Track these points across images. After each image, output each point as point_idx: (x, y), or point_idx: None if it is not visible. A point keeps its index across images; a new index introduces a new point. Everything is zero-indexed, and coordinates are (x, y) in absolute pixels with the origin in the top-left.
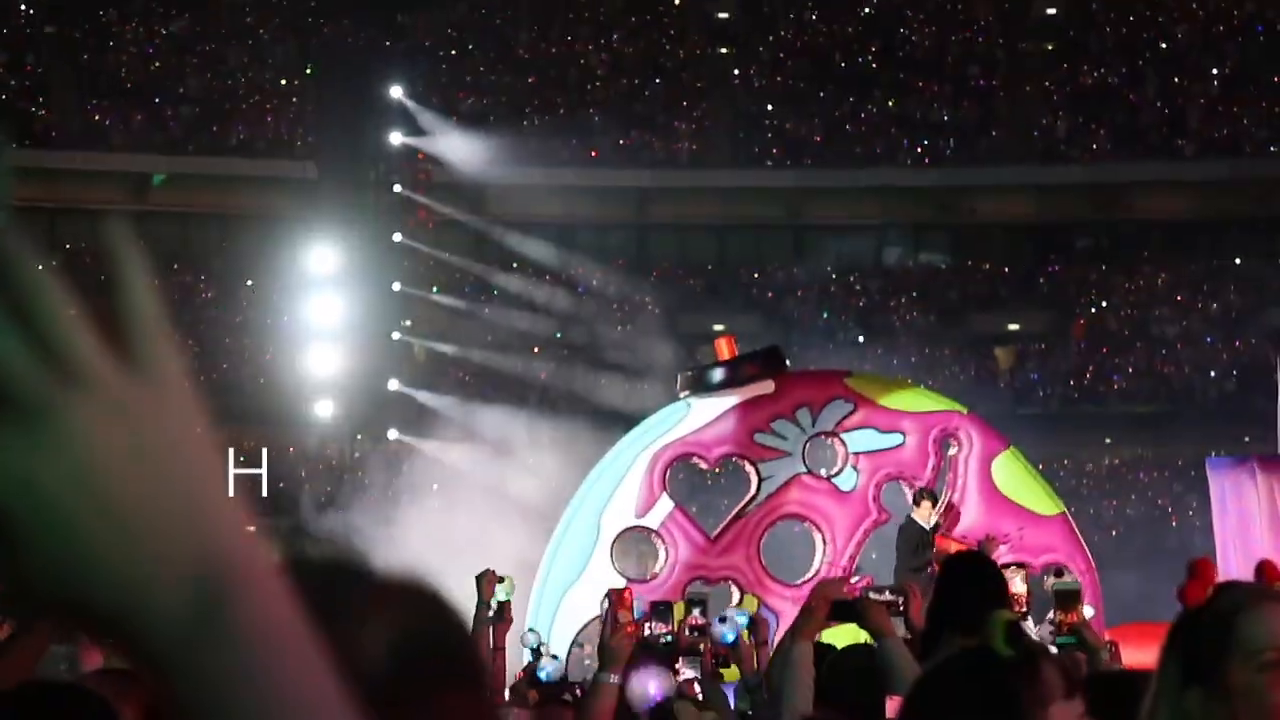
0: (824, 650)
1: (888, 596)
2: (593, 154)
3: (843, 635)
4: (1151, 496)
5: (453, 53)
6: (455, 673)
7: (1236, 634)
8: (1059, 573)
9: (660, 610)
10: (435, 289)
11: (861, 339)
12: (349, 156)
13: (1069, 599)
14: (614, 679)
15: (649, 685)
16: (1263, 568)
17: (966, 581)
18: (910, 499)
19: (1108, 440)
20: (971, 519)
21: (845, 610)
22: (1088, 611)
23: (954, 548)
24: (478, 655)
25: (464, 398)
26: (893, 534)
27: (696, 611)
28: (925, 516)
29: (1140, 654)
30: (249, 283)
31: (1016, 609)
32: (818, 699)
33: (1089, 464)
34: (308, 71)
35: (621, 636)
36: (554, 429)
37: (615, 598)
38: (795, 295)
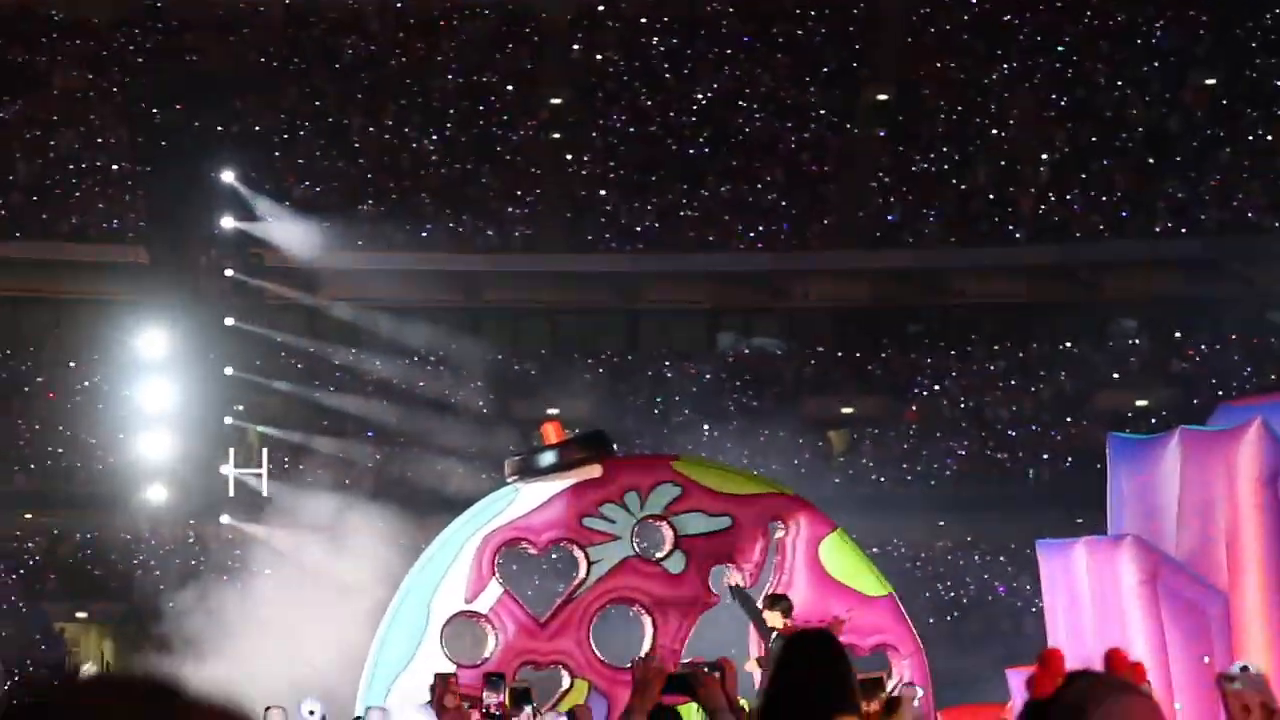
0: None
1: (705, 671)
2: (424, 237)
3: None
4: (984, 579)
5: (285, 138)
6: None
7: None
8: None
9: (492, 680)
10: (268, 373)
11: (697, 424)
12: (181, 241)
13: (871, 688)
14: None
15: None
16: (1111, 657)
17: (806, 662)
18: (763, 601)
19: (940, 523)
20: (800, 601)
21: (679, 684)
22: (917, 692)
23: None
24: None
25: (296, 482)
26: (720, 616)
27: (528, 709)
28: (778, 622)
29: None
30: (79, 367)
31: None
32: None
33: (921, 547)
34: (138, 156)
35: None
36: (385, 514)
37: (441, 682)
38: (628, 380)
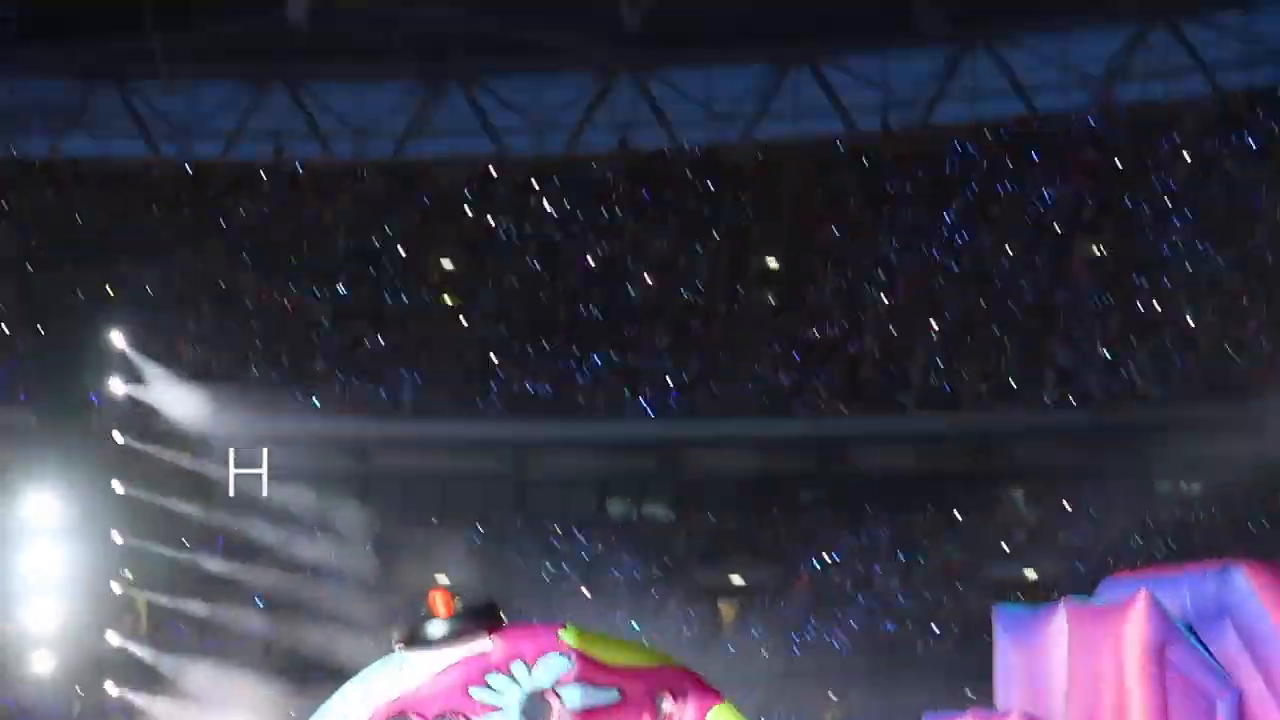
0: None
1: None
2: (314, 400)
3: None
4: None
5: (172, 301)
6: None
7: None
8: None
9: None
10: (157, 539)
11: (584, 590)
12: (68, 405)
13: None
14: None
15: None
16: None
17: None
18: None
19: (830, 694)
20: None
21: None
22: None
23: None
24: None
25: (184, 652)
26: None
27: None
28: None
29: None
30: None
31: None
32: None
33: (812, 718)
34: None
35: None
36: (272, 682)
37: None
38: (517, 547)
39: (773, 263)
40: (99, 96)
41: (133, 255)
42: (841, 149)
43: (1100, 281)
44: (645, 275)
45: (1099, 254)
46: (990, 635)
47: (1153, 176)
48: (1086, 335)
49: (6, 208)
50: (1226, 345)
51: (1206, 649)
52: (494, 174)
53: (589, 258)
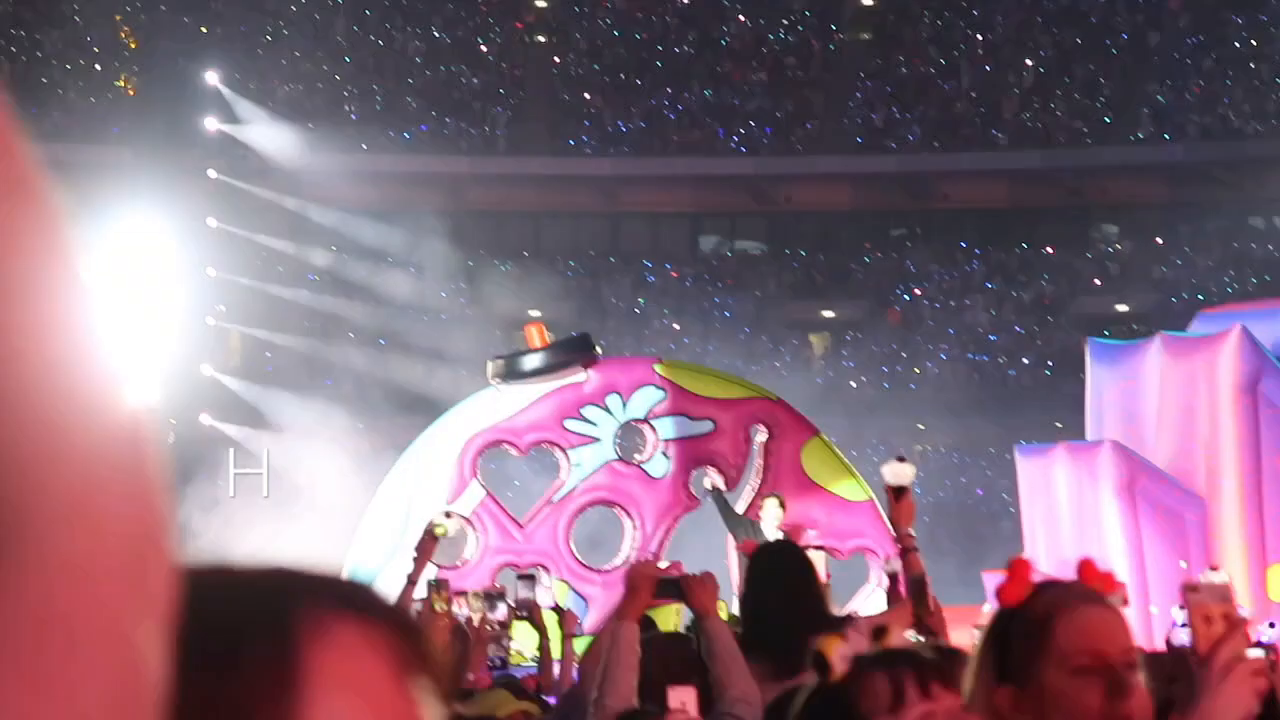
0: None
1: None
2: (408, 138)
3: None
4: (964, 482)
5: (269, 40)
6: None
7: (1052, 636)
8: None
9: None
10: (250, 274)
11: (676, 326)
12: (165, 141)
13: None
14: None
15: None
16: (1083, 567)
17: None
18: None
19: (920, 426)
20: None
21: (670, 589)
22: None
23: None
24: None
25: (277, 384)
26: (705, 519)
27: (503, 606)
28: (774, 515)
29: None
30: None
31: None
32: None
33: (901, 450)
34: (127, 55)
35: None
36: (367, 415)
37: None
38: (610, 282)
39: (868, 1)
40: None
41: None
42: None
43: (1196, 19)
44: (739, 13)
45: None
46: (1081, 368)
47: None
48: (1182, 73)
49: None
50: None
51: None
52: None
53: None
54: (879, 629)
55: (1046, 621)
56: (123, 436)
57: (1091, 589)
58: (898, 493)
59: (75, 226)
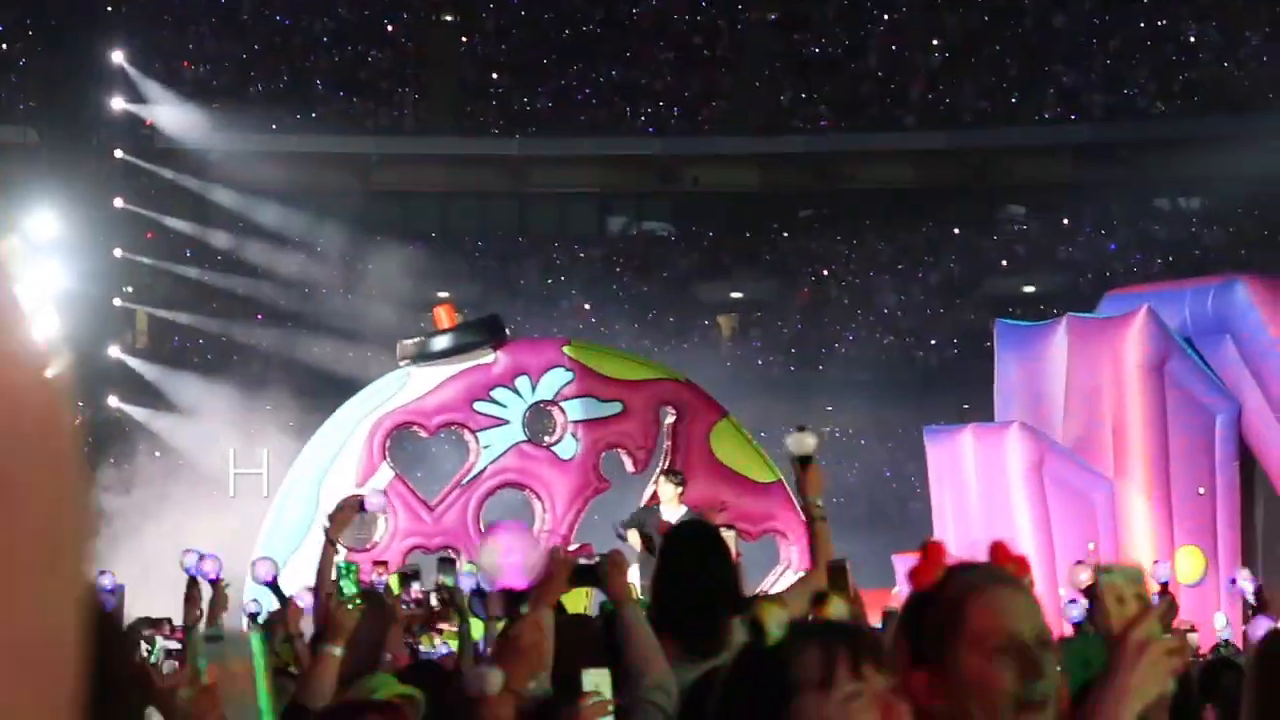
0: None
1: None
2: (314, 118)
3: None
4: (872, 464)
5: (173, 19)
6: None
7: (965, 618)
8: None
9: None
10: (157, 255)
11: (586, 306)
12: (70, 122)
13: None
14: (336, 650)
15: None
16: (995, 550)
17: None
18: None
19: (828, 408)
20: (690, 487)
21: (586, 575)
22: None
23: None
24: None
25: (184, 366)
26: (613, 502)
27: (415, 586)
28: (671, 494)
29: None
30: None
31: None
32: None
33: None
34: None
35: (341, 609)
36: (274, 397)
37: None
38: (518, 263)
39: None
40: None
41: None
42: None
43: None
44: None
45: None
46: (989, 350)
47: None
48: (1086, 52)
49: None
50: (1226, 61)
51: (1206, 363)
52: None
53: None
54: (819, 595)
55: (959, 603)
56: (38, 411)
57: (1004, 570)
58: (803, 462)
59: None
